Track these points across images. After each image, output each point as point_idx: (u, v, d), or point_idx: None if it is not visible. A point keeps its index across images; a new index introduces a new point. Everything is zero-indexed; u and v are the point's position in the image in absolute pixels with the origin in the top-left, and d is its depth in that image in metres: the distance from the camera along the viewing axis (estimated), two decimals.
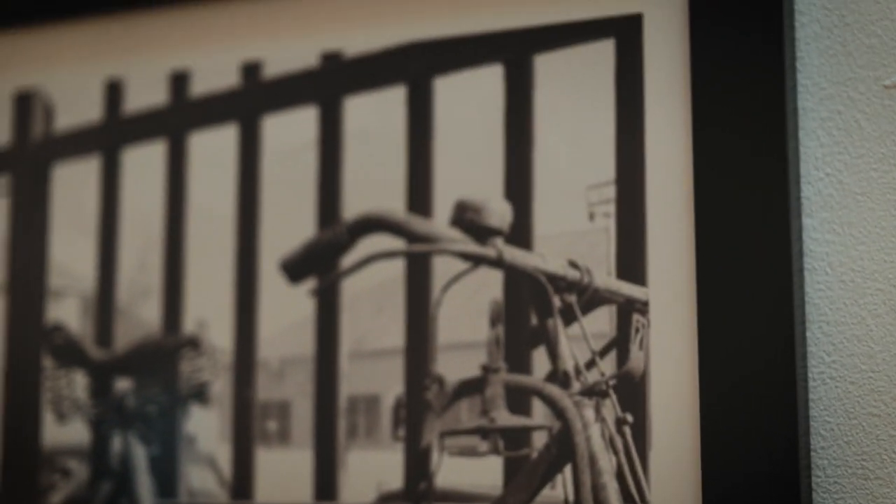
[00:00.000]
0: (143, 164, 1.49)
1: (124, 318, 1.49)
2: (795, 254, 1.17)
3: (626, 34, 1.27)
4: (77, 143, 1.53)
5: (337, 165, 1.39)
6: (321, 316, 1.38)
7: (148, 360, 1.46)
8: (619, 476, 1.23)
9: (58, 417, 1.50)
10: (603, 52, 1.28)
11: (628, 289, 1.24)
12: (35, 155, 1.55)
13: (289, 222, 1.40)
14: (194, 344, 1.43)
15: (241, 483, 1.39)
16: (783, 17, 1.19)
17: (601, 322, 1.26)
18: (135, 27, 1.51)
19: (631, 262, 1.24)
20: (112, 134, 1.51)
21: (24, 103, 1.56)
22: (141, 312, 1.48)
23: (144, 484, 1.44)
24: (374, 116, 1.37)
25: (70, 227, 1.52)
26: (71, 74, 1.54)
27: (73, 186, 1.53)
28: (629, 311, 1.24)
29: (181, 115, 1.47)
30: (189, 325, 1.44)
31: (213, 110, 1.45)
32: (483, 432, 1.28)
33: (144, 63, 1.50)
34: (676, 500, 1.19)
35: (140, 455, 1.45)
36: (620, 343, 1.24)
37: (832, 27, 1.24)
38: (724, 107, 1.20)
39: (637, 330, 1.24)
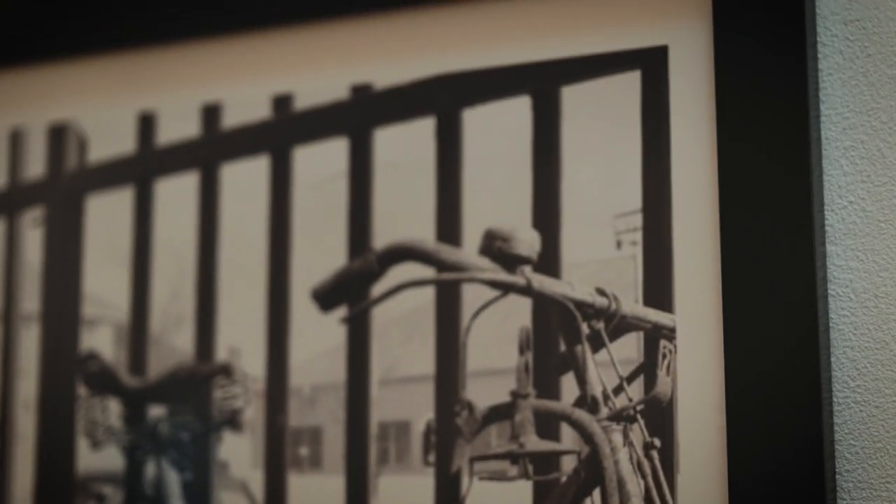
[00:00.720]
0: (176, 194, 1.53)
1: (157, 347, 1.52)
2: (819, 280, 1.20)
3: (651, 65, 1.31)
4: (110, 175, 1.57)
5: (367, 196, 1.42)
6: (352, 343, 1.41)
7: (181, 387, 1.49)
8: (648, 500, 1.26)
9: (92, 444, 1.54)
10: (629, 84, 1.32)
11: (655, 315, 1.27)
12: (69, 186, 1.59)
13: (320, 252, 1.44)
14: (227, 371, 1.47)
15: None
16: (806, 48, 1.23)
17: (629, 348, 1.29)
18: (167, 61, 1.55)
19: (658, 289, 1.28)
20: (145, 165, 1.55)
21: (58, 136, 1.61)
22: (174, 340, 1.51)
23: None
24: (404, 148, 1.41)
25: (103, 256, 1.56)
26: (104, 107, 1.58)
27: (107, 217, 1.56)
28: (656, 337, 1.27)
29: (213, 147, 1.51)
30: (221, 352, 1.48)
31: (245, 142, 1.49)
32: (513, 457, 1.31)
33: (176, 96, 1.54)
34: None
35: (173, 481, 1.48)
36: (648, 369, 1.27)
37: (854, 58, 1.27)
38: (749, 136, 1.24)
39: (664, 356, 1.27)
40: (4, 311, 1.61)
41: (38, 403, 1.57)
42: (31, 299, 1.60)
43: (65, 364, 1.56)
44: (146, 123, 1.55)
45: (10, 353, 1.59)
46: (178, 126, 1.53)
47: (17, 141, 1.63)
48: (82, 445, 1.54)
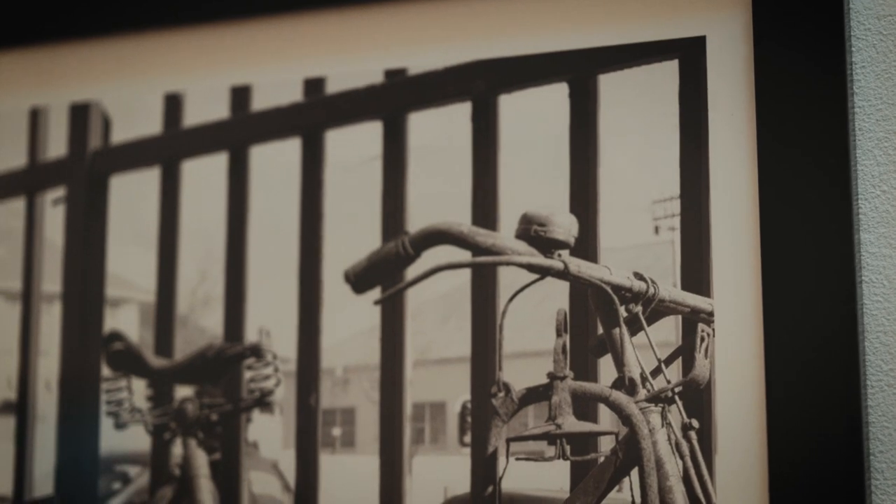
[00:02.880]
0: (204, 176, 1.56)
1: (184, 328, 1.56)
2: (854, 267, 1.26)
3: (689, 55, 1.36)
4: (136, 155, 1.60)
5: (401, 179, 1.47)
6: (386, 325, 1.46)
7: (209, 368, 1.53)
8: (686, 480, 1.31)
9: (116, 425, 1.57)
10: (667, 72, 1.37)
11: (693, 299, 1.33)
12: (92, 166, 1.62)
13: (352, 234, 1.48)
14: (257, 352, 1.51)
15: (306, 489, 1.47)
16: (844, 39, 1.29)
17: (667, 331, 1.35)
18: (195, 42, 1.58)
19: (696, 273, 1.33)
20: (172, 146, 1.58)
21: (81, 116, 1.64)
22: (202, 321, 1.55)
23: (206, 490, 1.51)
24: (438, 132, 1.46)
25: (128, 237, 1.60)
26: (128, 88, 1.61)
27: (131, 198, 1.60)
28: (694, 320, 1.33)
29: (243, 129, 1.55)
30: (251, 334, 1.52)
31: (275, 124, 1.53)
32: (550, 438, 1.36)
33: (205, 78, 1.57)
34: (744, 502, 1.28)
35: (201, 461, 1.52)
36: (686, 352, 1.33)
37: (888, 52, 1.33)
38: (787, 125, 1.29)
39: (702, 339, 1.32)
40: (24, 291, 1.64)
41: (60, 383, 1.60)
42: (52, 280, 1.63)
43: (88, 344, 1.59)
44: (173, 104, 1.59)
45: (31, 333, 1.62)
46: (206, 108, 1.57)
47: (37, 120, 1.66)
48: (106, 426, 1.57)
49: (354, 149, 1.50)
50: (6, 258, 1.65)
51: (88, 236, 1.61)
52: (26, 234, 1.64)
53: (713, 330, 1.31)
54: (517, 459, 1.38)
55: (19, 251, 1.65)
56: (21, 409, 1.62)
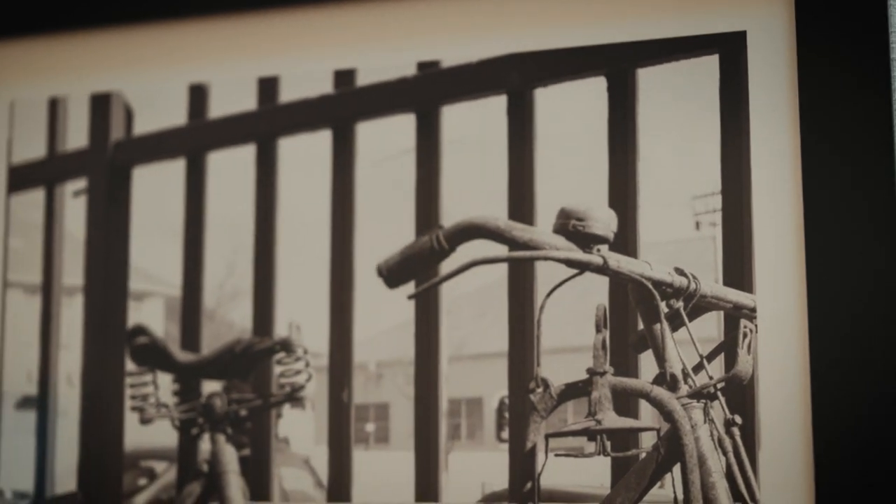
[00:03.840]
0: (230, 168, 1.57)
1: (211, 322, 1.56)
2: None
3: (730, 50, 1.37)
4: (159, 147, 1.60)
5: (434, 172, 1.48)
6: (420, 320, 1.47)
7: (238, 362, 1.53)
8: (729, 476, 1.33)
9: (141, 420, 1.57)
10: (707, 67, 1.39)
11: (735, 295, 1.35)
12: (114, 157, 1.62)
13: (384, 228, 1.49)
14: (287, 347, 1.51)
15: (338, 485, 1.48)
16: (888, 34, 1.30)
17: (708, 327, 1.36)
18: (221, 33, 1.58)
19: (738, 269, 1.35)
20: (198, 137, 1.58)
21: (102, 106, 1.63)
22: (229, 315, 1.55)
23: (235, 485, 1.51)
24: (473, 125, 1.46)
25: (151, 230, 1.60)
26: (151, 78, 1.61)
27: (154, 189, 1.60)
28: (736, 316, 1.34)
29: (271, 120, 1.55)
30: (281, 328, 1.52)
31: (305, 116, 1.54)
32: (590, 434, 1.38)
33: (231, 68, 1.57)
34: (787, 499, 1.30)
35: (230, 457, 1.53)
36: (728, 347, 1.35)
37: None
38: (831, 119, 1.31)
39: (745, 335, 1.34)
40: (44, 284, 1.64)
41: (83, 378, 1.60)
42: (72, 272, 1.63)
43: (111, 338, 1.59)
44: (198, 95, 1.59)
45: (52, 327, 1.62)
46: (232, 99, 1.57)
47: (56, 110, 1.66)
48: (131, 421, 1.58)
49: (387, 142, 1.50)
50: (25, 250, 1.65)
51: (110, 229, 1.61)
52: (46, 226, 1.64)
53: (756, 326, 1.33)
54: (556, 455, 1.39)
55: (39, 243, 1.65)
56: (42, 403, 1.62)
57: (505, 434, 1.41)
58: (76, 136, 1.65)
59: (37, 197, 1.66)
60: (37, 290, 1.64)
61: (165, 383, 1.57)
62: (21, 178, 1.66)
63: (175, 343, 1.57)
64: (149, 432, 1.57)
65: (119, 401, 1.58)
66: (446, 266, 1.46)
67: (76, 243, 1.63)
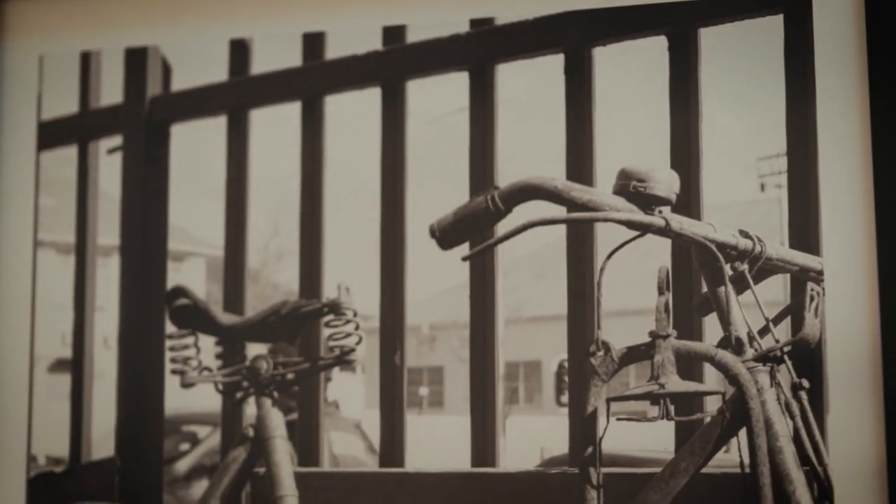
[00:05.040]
0: (275, 125, 1.57)
1: (255, 283, 1.57)
2: None
3: (794, 9, 1.39)
4: (199, 103, 1.60)
5: (489, 132, 1.49)
6: (476, 281, 1.48)
7: (284, 325, 1.54)
8: (797, 440, 1.35)
9: (183, 383, 1.58)
10: (771, 26, 1.40)
11: (802, 258, 1.37)
12: (151, 114, 1.62)
13: (437, 188, 1.50)
14: (335, 309, 1.52)
15: (391, 450, 1.49)
16: None
17: (774, 290, 1.39)
18: None
19: (804, 231, 1.37)
20: (240, 94, 1.59)
21: (138, 61, 1.63)
22: (274, 277, 1.56)
23: (283, 450, 1.52)
24: (529, 84, 1.48)
25: (191, 189, 1.60)
26: (190, 33, 1.61)
27: (194, 147, 1.60)
28: (803, 279, 1.37)
29: (317, 77, 1.56)
30: (329, 289, 1.53)
31: (352, 74, 1.54)
32: (653, 398, 1.39)
33: (274, 24, 1.57)
34: (856, 463, 1.33)
35: (277, 421, 1.54)
36: (795, 311, 1.37)
37: None
38: None
39: (812, 298, 1.37)
40: (78, 244, 1.64)
41: (120, 340, 1.61)
42: (107, 232, 1.63)
43: (150, 300, 1.60)
44: (239, 51, 1.59)
45: (87, 288, 1.62)
46: (275, 55, 1.57)
47: (88, 65, 1.65)
48: (172, 385, 1.58)
49: (439, 100, 1.51)
50: (57, 209, 1.64)
51: (148, 187, 1.61)
52: (79, 184, 1.65)
53: (823, 288, 1.35)
54: (618, 420, 1.41)
55: (71, 202, 1.65)
56: (77, 366, 1.62)
57: (565, 398, 1.43)
58: (110, 92, 1.64)
59: (69, 154, 1.66)
60: (70, 250, 1.64)
61: (208, 346, 1.58)
62: (52, 134, 1.66)
63: (217, 305, 1.58)
64: (190, 396, 1.58)
65: (159, 364, 1.59)
66: (502, 227, 1.47)
67: (111, 202, 1.63)
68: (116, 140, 1.64)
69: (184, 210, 1.59)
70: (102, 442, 1.61)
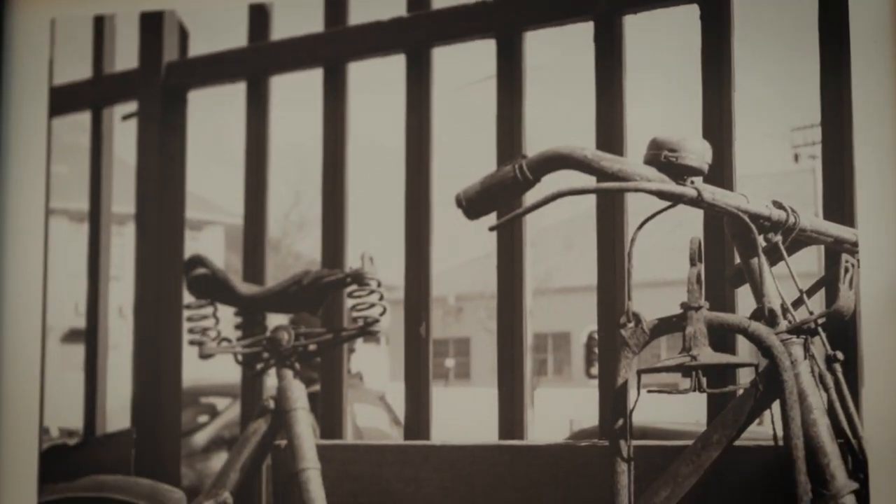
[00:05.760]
0: (296, 92, 1.57)
1: (276, 253, 1.58)
2: None
3: None
4: (218, 69, 1.60)
5: (517, 100, 1.50)
6: (503, 252, 1.49)
7: (306, 295, 1.55)
8: (831, 412, 1.37)
9: (201, 354, 1.58)
10: None
11: (836, 229, 1.39)
12: (167, 80, 1.62)
13: (463, 157, 1.51)
14: (359, 279, 1.53)
15: (416, 422, 1.51)
16: None
17: (808, 262, 1.40)
18: None
19: (839, 202, 1.39)
20: (260, 60, 1.59)
21: (154, 25, 1.63)
22: (296, 246, 1.57)
23: (304, 422, 1.53)
24: (558, 52, 1.48)
25: (209, 156, 1.60)
26: None
27: (212, 114, 1.60)
28: (837, 251, 1.38)
29: (339, 43, 1.56)
30: (353, 259, 1.54)
31: (376, 40, 1.55)
32: (685, 370, 1.41)
33: None
34: (891, 435, 1.35)
35: (298, 393, 1.54)
36: (829, 282, 1.39)
37: None
38: None
39: (846, 269, 1.38)
40: (92, 212, 1.64)
41: (136, 310, 1.61)
42: (122, 200, 1.63)
43: (167, 269, 1.60)
44: (259, 15, 1.59)
45: (101, 257, 1.62)
46: (296, 20, 1.57)
47: (102, 29, 1.65)
48: (190, 356, 1.59)
49: (465, 68, 1.52)
50: (70, 176, 1.64)
51: (164, 154, 1.61)
52: (93, 150, 1.65)
53: (858, 260, 1.37)
54: (649, 392, 1.43)
55: (85, 169, 1.65)
56: (91, 336, 1.63)
57: (595, 370, 1.45)
58: (125, 57, 1.64)
59: (82, 120, 1.66)
60: (83, 219, 1.64)
61: (227, 317, 1.58)
62: (64, 100, 1.66)
63: (237, 275, 1.58)
64: (209, 368, 1.58)
65: (176, 334, 1.60)
66: (530, 197, 1.48)
67: (126, 169, 1.63)
68: (131, 106, 1.64)
69: (202, 178, 1.60)
70: (117, 414, 1.62)
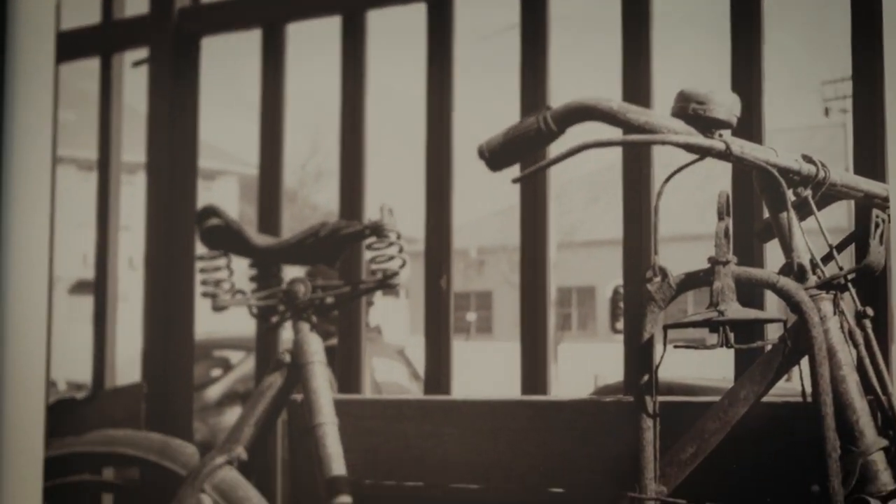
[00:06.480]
0: (314, 40, 1.57)
1: (293, 204, 1.57)
2: None
3: None
4: (232, 15, 1.60)
5: (541, 51, 1.50)
6: (527, 204, 1.50)
7: (323, 247, 1.55)
8: (860, 369, 1.39)
9: (214, 307, 1.58)
10: None
11: (867, 184, 1.40)
12: (179, 26, 1.61)
13: (486, 107, 1.51)
14: (378, 231, 1.53)
15: (437, 376, 1.52)
16: None
17: (838, 217, 1.42)
18: None
19: (870, 157, 1.41)
20: (276, 6, 1.59)
21: None
22: (313, 197, 1.57)
23: (321, 376, 1.53)
24: (584, 1, 1.48)
25: (223, 105, 1.60)
26: None
27: (226, 61, 1.60)
28: (868, 206, 1.39)
29: None
30: (371, 211, 1.54)
31: None
32: (712, 325, 1.42)
33: None
34: None
35: (315, 346, 1.54)
36: (859, 238, 1.41)
37: None
38: None
39: (877, 225, 1.40)
40: (101, 161, 1.63)
41: (147, 261, 1.61)
42: (132, 149, 1.62)
43: (179, 219, 1.60)
44: None
45: (110, 206, 1.62)
46: None
47: None
48: (203, 308, 1.59)
49: (488, 17, 1.52)
50: (78, 124, 1.64)
51: (176, 102, 1.61)
52: (102, 97, 1.64)
53: (888, 216, 1.38)
54: (675, 347, 1.44)
55: (94, 116, 1.64)
56: (100, 288, 1.62)
57: (620, 325, 1.46)
58: (134, 1, 1.63)
59: (90, 66, 1.65)
60: (92, 167, 1.64)
61: (241, 269, 1.58)
62: (72, 45, 1.65)
63: (251, 226, 1.58)
64: (223, 320, 1.59)
65: (189, 286, 1.60)
66: (554, 149, 1.48)
67: (136, 117, 1.63)
68: (142, 53, 1.63)
69: (215, 127, 1.59)
70: (127, 367, 1.62)
